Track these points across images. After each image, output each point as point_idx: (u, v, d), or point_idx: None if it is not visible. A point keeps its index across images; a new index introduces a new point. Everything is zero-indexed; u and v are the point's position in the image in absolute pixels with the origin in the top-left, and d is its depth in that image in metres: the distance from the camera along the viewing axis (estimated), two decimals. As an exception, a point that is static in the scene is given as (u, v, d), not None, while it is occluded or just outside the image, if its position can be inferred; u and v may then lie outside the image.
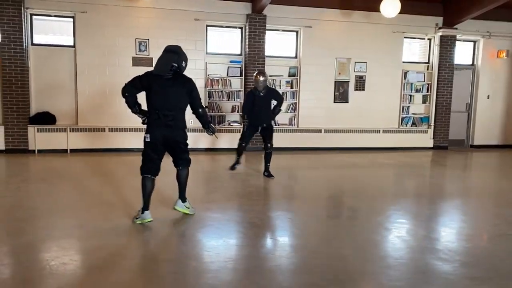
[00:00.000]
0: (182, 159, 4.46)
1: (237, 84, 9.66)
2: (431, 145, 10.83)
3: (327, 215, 5.01)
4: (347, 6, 9.82)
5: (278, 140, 9.73)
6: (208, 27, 9.42)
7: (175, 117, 4.24)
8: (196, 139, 8.97)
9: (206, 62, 9.40)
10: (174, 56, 4.21)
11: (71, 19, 8.72)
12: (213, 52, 9.54)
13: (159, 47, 8.84)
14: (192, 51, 9.20)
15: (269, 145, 6.81)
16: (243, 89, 9.55)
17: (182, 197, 4.59)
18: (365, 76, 10.29)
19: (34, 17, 8.65)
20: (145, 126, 4.33)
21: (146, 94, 4.24)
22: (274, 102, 6.94)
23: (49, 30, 9.17)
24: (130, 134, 8.86)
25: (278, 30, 9.84)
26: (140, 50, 8.96)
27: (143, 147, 4.31)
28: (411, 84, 10.63)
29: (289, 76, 9.95)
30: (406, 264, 3.55)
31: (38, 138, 8.58)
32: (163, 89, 4.17)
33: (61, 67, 8.81)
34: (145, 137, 4.28)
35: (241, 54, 9.67)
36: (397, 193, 6.48)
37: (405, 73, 10.54)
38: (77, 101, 8.86)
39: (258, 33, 9.35)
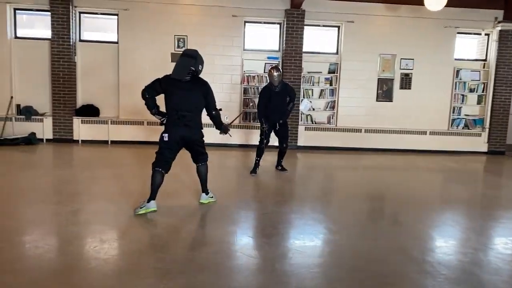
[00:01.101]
0: (200, 155, 4.74)
1: (274, 80, 9.53)
2: (485, 150, 9.94)
3: (345, 218, 4.73)
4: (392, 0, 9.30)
5: (315, 138, 9.54)
6: (245, 23, 9.39)
7: (193, 117, 4.51)
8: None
9: (242, 59, 9.38)
10: (191, 60, 4.45)
11: (116, 17, 9.12)
12: (250, 48, 9.49)
13: (197, 43, 9.10)
14: (229, 47, 9.27)
15: (285, 145, 6.80)
16: (279, 86, 9.42)
17: (205, 190, 4.93)
18: (411, 73, 9.68)
19: (82, 15, 9.18)
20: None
21: (165, 96, 4.49)
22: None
23: (96, 27, 9.66)
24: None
25: (318, 25, 9.56)
26: (178, 46, 9.15)
27: (159, 145, 4.53)
28: (464, 83, 9.82)
29: (329, 72, 9.64)
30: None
31: (82, 129, 9.10)
32: (182, 92, 4.43)
33: (106, 62, 9.25)
34: (163, 136, 4.49)
35: (279, 50, 9.53)
36: (435, 201, 5.90)
37: (458, 71, 9.76)
38: (119, 95, 9.27)
39: (296, 29, 9.15)
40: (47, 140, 9.05)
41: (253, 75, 9.42)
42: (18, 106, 8.97)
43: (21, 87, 9.06)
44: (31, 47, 8.99)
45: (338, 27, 9.56)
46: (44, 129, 9.00)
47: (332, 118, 9.74)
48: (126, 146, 8.93)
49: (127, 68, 9.17)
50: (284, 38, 9.25)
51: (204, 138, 4.71)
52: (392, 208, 5.41)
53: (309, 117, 9.69)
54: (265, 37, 9.67)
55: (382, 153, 9.43)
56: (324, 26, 9.60)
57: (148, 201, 4.45)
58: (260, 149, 6.71)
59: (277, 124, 6.65)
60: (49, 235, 3.88)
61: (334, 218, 4.72)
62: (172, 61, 9.14)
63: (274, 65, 7.13)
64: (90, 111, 9.22)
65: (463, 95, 9.87)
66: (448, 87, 9.79)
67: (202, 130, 4.67)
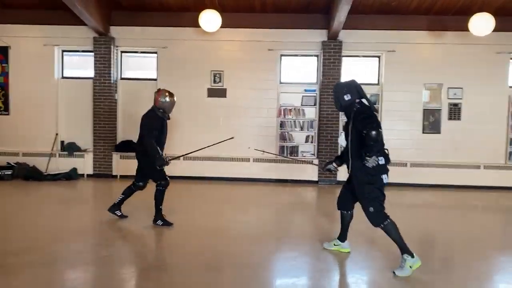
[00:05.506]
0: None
1: (311, 113, 9.26)
2: (551, 186, 8.94)
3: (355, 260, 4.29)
4: (436, 26, 8.82)
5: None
6: (282, 57, 9.28)
7: None
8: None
9: (279, 92, 9.22)
10: None
11: (155, 55, 9.34)
12: (287, 81, 9.33)
13: (233, 78, 9.10)
14: (265, 81, 9.15)
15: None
16: (317, 119, 9.13)
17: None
18: (460, 103, 9.03)
19: (123, 54, 9.50)
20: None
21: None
22: None
23: (137, 66, 9.93)
24: (202, 163, 9.04)
25: (357, 56, 9.24)
26: (214, 81, 9.17)
27: (376, 189, 3.96)
28: (523, 112, 9.01)
29: (370, 104, 9.21)
30: None
31: (120, 165, 9.23)
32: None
33: (144, 99, 9.35)
34: (382, 178, 3.93)
35: (316, 83, 9.28)
36: (493, 245, 5.12)
37: (514, 100, 8.99)
38: (156, 131, 9.35)
39: (333, 60, 8.91)
40: (88, 175, 9.25)
41: (290, 108, 9.21)
42: (62, 142, 9.31)
43: (66, 124, 9.44)
44: (76, 86, 9.39)
45: (379, 57, 9.19)
46: (85, 164, 9.23)
47: (374, 151, 9.21)
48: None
49: (164, 104, 9.26)
50: (321, 70, 9.01)
51: None
52: (442, 253, 4.85)
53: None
54: (302, 70, 9.48)
55: (429, 188, 8.76)
56: (363, 56, 9.27)
57: (412, 255, 3.85)
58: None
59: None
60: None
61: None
62: (208, 96, 9.17)
63: (166, 89, 5.63)
64: (129, 147, 9.33)
65: (521, 125, 9.04)
66: (503, 117, 9.00)
67: None
